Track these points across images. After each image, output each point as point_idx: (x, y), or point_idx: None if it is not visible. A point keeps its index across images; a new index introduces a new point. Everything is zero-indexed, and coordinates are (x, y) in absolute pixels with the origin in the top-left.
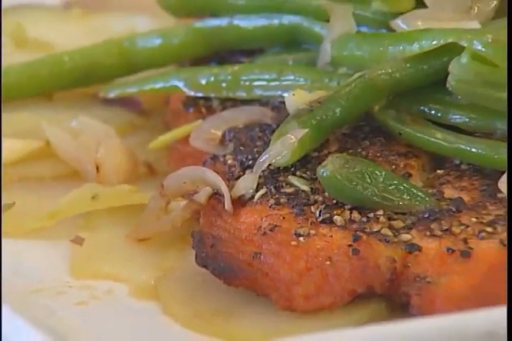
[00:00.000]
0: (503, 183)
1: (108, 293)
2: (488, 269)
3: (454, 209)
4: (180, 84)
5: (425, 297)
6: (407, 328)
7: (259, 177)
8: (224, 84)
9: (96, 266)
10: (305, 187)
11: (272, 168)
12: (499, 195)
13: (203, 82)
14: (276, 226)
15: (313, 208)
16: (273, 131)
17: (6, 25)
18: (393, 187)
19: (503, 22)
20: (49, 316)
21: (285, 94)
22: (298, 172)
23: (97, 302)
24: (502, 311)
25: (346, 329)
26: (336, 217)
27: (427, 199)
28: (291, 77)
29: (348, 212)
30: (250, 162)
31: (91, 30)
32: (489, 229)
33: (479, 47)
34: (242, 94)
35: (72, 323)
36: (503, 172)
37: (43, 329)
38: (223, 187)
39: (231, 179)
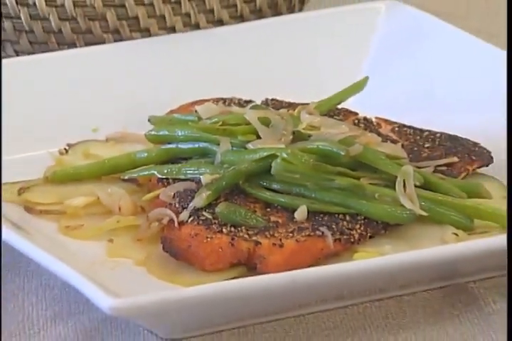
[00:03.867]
0: (296, 214)
1: (123, 263)
2: (290, 252)
3: (275, 226)
4: (155, 172)
5: (264, 265)
6: (255, 279)
7: (190, 212)
8: (174, 172)
9: (118, 252)
10: (210, 217)
11: (195, 208)
12: (295, 220)
13: (165, 171)
14: (197, 233)
15: (214, 226)
16: (196, 192)
17: (79, 148)
18: (248, 216)
19: (296, 145)
20: (97, 275)
21: (201, 177)
22: (207, 210)
23: (119, 268)
24: (297, 272)
25: (227, 281)
26: (224, 230)
27: (263, 221)
28: (203, 169)
29: (229, 227)
30: (186, 205)
31: (117, 150)
32: (290, 234)
33: (284, 155)
34: (182, 177)
35: (109, 279)
36: (295, 210)
37: (97, 283)
38: (174, 217)
39: (178, 213)
